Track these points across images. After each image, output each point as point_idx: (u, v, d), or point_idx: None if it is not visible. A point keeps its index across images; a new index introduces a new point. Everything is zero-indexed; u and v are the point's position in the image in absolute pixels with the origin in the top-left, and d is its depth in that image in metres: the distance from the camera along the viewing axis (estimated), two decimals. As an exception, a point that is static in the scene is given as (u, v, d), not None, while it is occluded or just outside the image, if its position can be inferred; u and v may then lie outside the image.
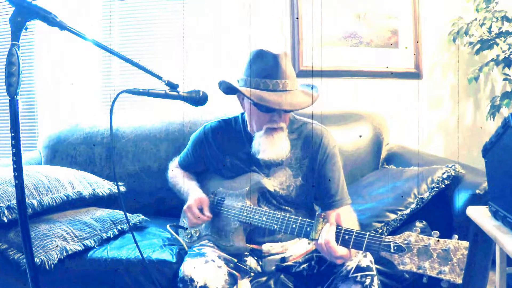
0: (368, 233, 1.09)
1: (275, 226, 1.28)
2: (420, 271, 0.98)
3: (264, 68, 1.31)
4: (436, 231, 1.01)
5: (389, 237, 1.05)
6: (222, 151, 1.50)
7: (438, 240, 0.99)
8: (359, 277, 1.19)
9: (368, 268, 1.21)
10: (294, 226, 1.24)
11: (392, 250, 1.03)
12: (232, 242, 1.38)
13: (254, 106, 1.35)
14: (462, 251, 0.95)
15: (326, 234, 1.13)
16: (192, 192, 1.48)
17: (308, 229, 1.20)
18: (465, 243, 0.96)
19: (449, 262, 0.96)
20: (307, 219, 1.23)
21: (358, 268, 1.21)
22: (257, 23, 2.38)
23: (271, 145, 1.37)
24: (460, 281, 0.94)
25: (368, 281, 1.19)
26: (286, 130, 1.41)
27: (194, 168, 1.62)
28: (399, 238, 1.03)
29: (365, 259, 1.23)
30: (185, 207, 1.44)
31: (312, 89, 1.41)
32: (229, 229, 1.40)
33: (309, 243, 1.41)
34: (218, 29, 2.39)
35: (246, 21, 2.37)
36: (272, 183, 1.42)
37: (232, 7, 2.37)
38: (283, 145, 1.38)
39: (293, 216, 1.26)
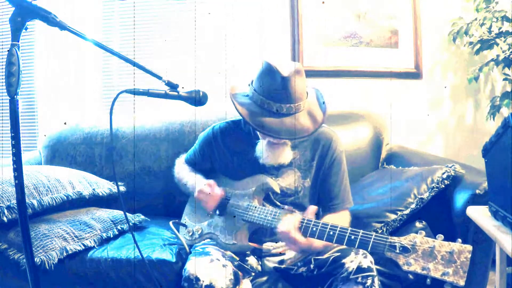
0: (374, 233, 1.10)
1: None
2: (424, 272, 0.99)
3: (271, 88, 1.28)
4: (440, 235, 1.02)
5: (395, 238, 1.06)
6: (230, 152, 1.50)
7: (443, 243, 1.00)
8: (360, 278, 1.20)
9: (368, 269, 1.21)
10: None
11: (397, 251, 1.04)
12: (235, 240, 1.38)
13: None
14: (466, 254, 0.97)
15: (287, 225, 1.20)
16: (200, 180, 1.49)
17: (314, 228, 1.21)
18: (469, 247, 0.98)
19: (453, 265, 0.97)
20: (313, 219, 1.23)
21: (359, 269, 1.21)
22: (257, 23, 2.37)
23: (272, 155, 1.39)
24: (463, 283, 0.95)
25: (369, 282, 1.19)
26: (290, 142, 1.39)
27: (200, 167, 1.61)
28: (405, 239, 1.05)
29: (366, 260, 1.23)
30: (196, 193, 1.44)
31: (323, 103, 1.37)
32: (234, 227, 1.40)
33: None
34: (218, 29, 2.38)
35: (246, 22, 2.37)
36: (279, 184, 1.42)
37: (233, 8, 2.37)
38: (285, 156, 1.39)
39: None
